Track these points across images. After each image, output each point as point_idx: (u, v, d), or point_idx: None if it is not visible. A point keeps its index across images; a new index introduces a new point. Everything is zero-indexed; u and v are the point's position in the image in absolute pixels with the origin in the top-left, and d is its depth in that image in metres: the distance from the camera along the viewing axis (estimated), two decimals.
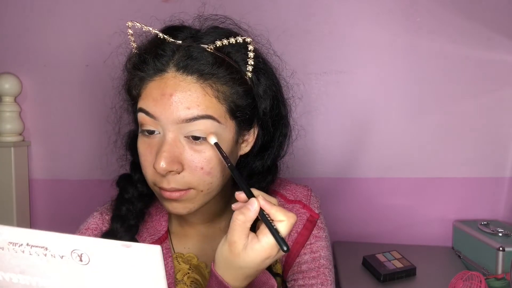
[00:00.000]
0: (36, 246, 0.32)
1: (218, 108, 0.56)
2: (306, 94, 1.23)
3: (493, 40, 1.19)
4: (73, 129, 1.33)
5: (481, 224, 1.14)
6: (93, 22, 1.28)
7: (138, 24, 0.59)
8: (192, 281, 0.65)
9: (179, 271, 0.65)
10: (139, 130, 0.59)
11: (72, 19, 1.29)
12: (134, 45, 0.62)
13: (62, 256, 0.32)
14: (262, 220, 0.49)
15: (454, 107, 1.23)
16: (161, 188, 0.58)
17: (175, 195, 0.57)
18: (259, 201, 0.49)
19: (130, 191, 0.66)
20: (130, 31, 0.60)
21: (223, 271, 0.51)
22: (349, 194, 1.27)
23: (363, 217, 1.27)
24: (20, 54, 1.32)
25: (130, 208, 0.65)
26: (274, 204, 0.51)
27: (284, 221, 0.49)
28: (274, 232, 0.48)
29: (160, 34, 0.58)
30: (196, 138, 0.56)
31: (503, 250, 1.00)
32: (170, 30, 0.61)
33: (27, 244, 0.32)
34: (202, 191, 0.58)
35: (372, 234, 1.27)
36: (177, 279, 0.65)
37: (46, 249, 0.32)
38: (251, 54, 0.59)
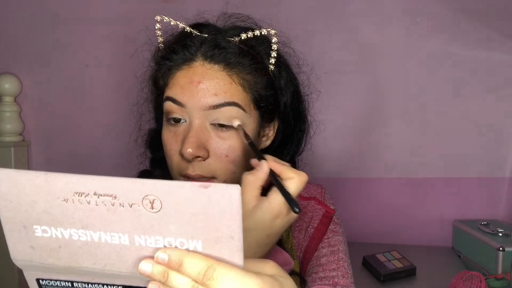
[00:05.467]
0: (105, 195, 0.29)
1: (243, 97, 0.58)
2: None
3: (493, 40, 1.19)
4: (73, 129, 1.33)
5: (481, 224, 1.14)
6: (92, 22, 1.28)
7: (166, 19, 0.61)
8: None
9: None
10: (164, 119, 0.60)
11: (71, 20, 1.29)
12: (161, 39, 0.64)
13: (132, 205, 0.30)
14: (271, 179, 0.49)
15: (454, 107, 1.23)
16: (185, 177, 0.58)
17: None
18: (270, 162, 0.50)
19: None
20: (158, 25, 0.62)
21: None
22: (349, 194, 1.27)
23: (363, 217, 1.27)
24: (20, 54, 1.32)
25: None
26: (285, 164, 0.51)
27: (293, 178, 0.48)
28: (283, 189, 0.46)
29: (188, 28, 0.61)
30: (222, 125, 0.57)
31: (503, 250, 1.00)
32: (196, 26, 0.63)
33: (94, 194, 0.29)
34: (225, 181, 0.59)
35: (372, 234, 1.27)
36: None
37: (115, 197, 0.29)
38: (274, 46, 0.61)
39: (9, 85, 1.26)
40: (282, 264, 0.53)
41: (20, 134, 1.31)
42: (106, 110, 1.31)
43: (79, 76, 1.30)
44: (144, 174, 0.70)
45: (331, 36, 1.24)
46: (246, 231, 0.48)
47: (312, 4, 1.24)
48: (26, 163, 1.32)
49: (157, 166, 0.67)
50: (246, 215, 0.49)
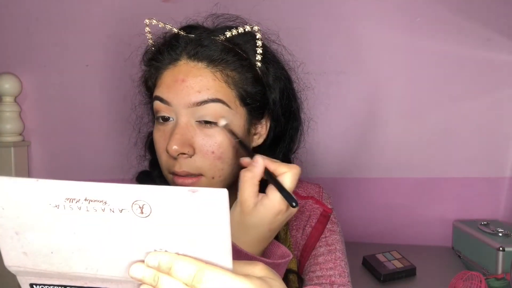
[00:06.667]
0: (95, 201, 0.30)
1: (227, 93, 0.59)
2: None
3: (493, 40, 1.19)
4: (73, 129, 1.33)
5: (481, 224, 1.14)
6: (92, 22, 1.28)
7: (155, 21, 0.62)
8: None
9: None
10: (155, 118, 0.62)
11: (71, 19, 1.29)
12: (151, 41, 0.65)
13: (122, 210, 0.30)
14: (266, 177, 0.51)
15: (454, 107, 1.22)
16: (174, 174, 0.59)
17: (188, 181, 0.59)
18: (263, 160, 0.52)
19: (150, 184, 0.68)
20: (147, 28, 0.64)
21: (235, 236, 0.51)
22: (349, 194, 1.27)
23: (363, 217, 1.27)
24: (20, 54, 1.32)
25: None
26: (276, 162, 0.52)
27: (287, 172, 0.50)
28: (279, 185, 0.49)
29: (175, 29, 0.62)
30: (207, 122, 0.58)
31: (503, 250, 1.00)
32: (185, 28, 0.64)
33: (85, 199, 0.30)
34: (213, 178, 0.60)
35: (372, 234, 1.27)
36: None
37: (105, 203, 0.30)
38: (259, 43, 0.61)
39: (9, 85, 1.26)
40: (281, 256, 0.54)
41: (20, 134, 1.31)
42: (106, 110, 1.31)
43: (79, 76, 1.30)
44: (143, 174, 0.71)
45: (330, 36, 1.24)
46: (250, 227, 0.51)
47: (311, 3, 1.23)
48: (26, 163, 1.32)
49: (156, 167, 0.67)
50: (248, 212, 0.50)
